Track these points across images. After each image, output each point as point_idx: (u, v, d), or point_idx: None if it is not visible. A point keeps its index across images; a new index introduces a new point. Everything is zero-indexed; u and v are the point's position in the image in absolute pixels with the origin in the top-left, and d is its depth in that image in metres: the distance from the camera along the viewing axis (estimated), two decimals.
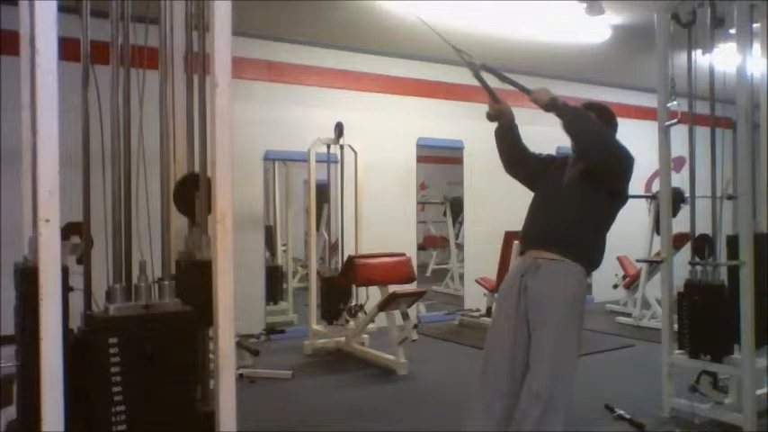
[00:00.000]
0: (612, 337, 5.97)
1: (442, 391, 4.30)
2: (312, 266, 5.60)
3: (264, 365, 4.70)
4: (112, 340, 1.69)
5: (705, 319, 3.44)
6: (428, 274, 8.06)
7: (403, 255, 5.26)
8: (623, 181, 2.58)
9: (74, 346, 1.69)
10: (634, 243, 6.73)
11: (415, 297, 5.10)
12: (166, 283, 1.87)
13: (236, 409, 1.83)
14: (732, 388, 3.56)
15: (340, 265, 5.49)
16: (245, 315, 5.43)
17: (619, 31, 5.79)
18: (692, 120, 3.67)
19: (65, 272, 1.68)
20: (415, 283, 5.35)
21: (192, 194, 2.07)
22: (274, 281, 6.45)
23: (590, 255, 2.57)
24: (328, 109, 6.09)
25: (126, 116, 1.88)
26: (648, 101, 6.82)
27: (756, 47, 3.66)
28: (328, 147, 5.59)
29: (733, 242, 3.44)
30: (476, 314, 6.51)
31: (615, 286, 7.22)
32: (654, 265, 6.22)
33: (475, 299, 6.78)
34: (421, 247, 7.39)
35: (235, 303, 1.83)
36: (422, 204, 7.45)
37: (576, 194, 2.57)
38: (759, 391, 3.38)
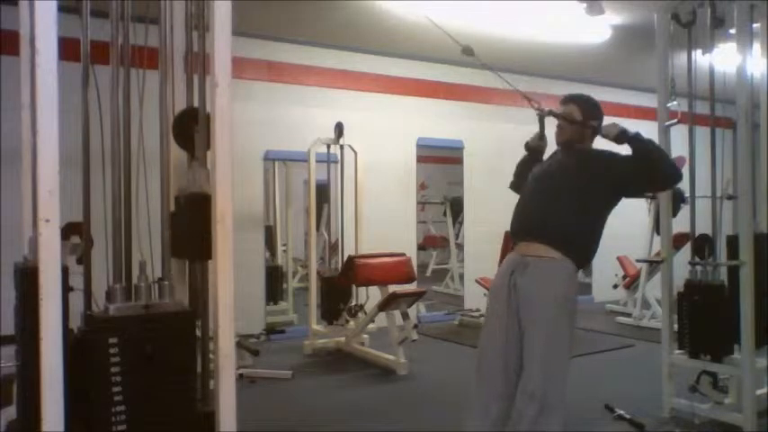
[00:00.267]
0: (612, 337, 5.97)
1: (442, 391, 4.30)
2: (312, 266, 5.60)
3: (264, 365, 4.70)
4: (112, 340, 1.69)
5: (705, 319, 3.44)
6: (428, 274, 8.06)
7: (403, 255, 5.26)
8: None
9: (74, 346, 1.69)
10: (634, 243, 6.74)
11: (415, 297, 5.10)
12: (166, 283, 1.87)
13: (236, 409, 1.83)
14: (732, 388, 3.56)
15: (340, 265, 5.49)
16: (245, 315, 5.43)
17: (619, 31, 5.79)
18: (692, 120, 3.67)
19: (65, 272, 1.68)
20: (414, 283, 5.35)
21: (191, 129, 2.06)
22: (274, 281, 6.45)
23: (581, 249, 2.58)
24: (328, 109, 6.09)
25: (126, 116, 1.88)
26: (648, 101, 6.82)
27: (756, 47, 3.66)
28: (328, 147, 5.59)
29: (733, 242, 3.44)
30: (476, 314, 6.51)
31: (615, 286, 7.22)
32: (654, 265, 6.22)
33: (475, 299, 6.78)
34: (421, 247, 7.38)
35: (235, 303, 1.83)
36: (422, 204, 7.45)
37: (569, 189, 2.59)
38: (759, 391, 3.38)
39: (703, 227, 3.66)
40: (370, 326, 5.29)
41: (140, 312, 1.79)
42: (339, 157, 5.77)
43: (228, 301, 1.82)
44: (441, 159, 7.69)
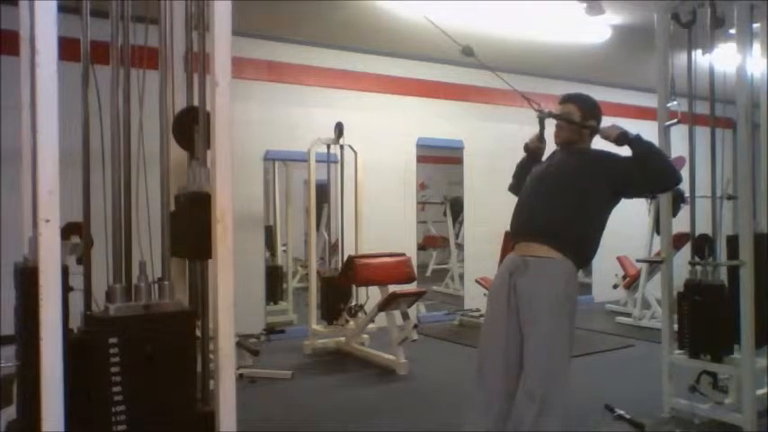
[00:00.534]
0: (612, 337, 5.97)
1: (442, 391, 4.30)
2: (312, 266, 5.60)
3: (264, 365, 4.70)
4: (112, 340, 1.69)
5: (705, 319, 3.44)
6: (428, 274, 8.05)
7: (403, 255, 5.26)
8: None
9: (74, 346, 1.69)
10: (634, 243, 6.74)
11: (415, 297, 5.10)
12: (166, 283, 1.87)
13: (236, 409, 1.83)
14: (732, 388, 3.56)
15: (340, 265, 5.49)
16: (245, 315, 5.43)
17: (619, 31, 5.79)
18: (691, 120, 3.67)
19: (65, 272, 1.68)
20: (414, 283, 5.35)
21: (191, 128, 2.06)
22: (274, 281, 6.45)
23: (581, 249, 2.58)
24: (328, 109, 6.09)
25: (126, 116, 1.88)
26: (648, 101, 6.82)
27: (756, 47, 3.66)
28: (328, 147, 5.59)
29: (733, 242, 3.44)
30: (476, 314, 6.51)
31: (615, 286, 7.22)
32: (654, 265, 6.22)
33: (475, 299, 6.78)
34: (421, 247, 7.38)
35: (235, 303, 1.83)
36: (422, 204, 7.45)
37: (569, 189, 2.60)
38: (759, 391, 3.38)
39: (703, 227, 3.66)
40: (370, 326, 5.29)
41: (140, 312, 1.79)
42: (339, 157, 5.77)
43: (228, 301, 1.82)
44: (441, 159, 7.69)
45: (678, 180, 2.62)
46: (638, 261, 6.61)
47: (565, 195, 2.59)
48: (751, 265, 3.29)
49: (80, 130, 1.92)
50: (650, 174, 2.55)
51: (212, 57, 1.82)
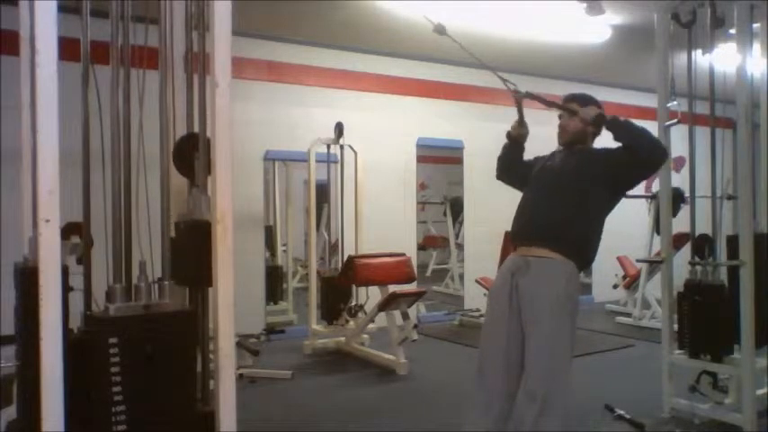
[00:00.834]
0: (612, 337, 5.97)
1: (442, 391, 4.30)
2: (312, 266, 5.60)
3: (264, 365, 4.70)
4: (112, 340, 1.69)
5: (705, 319, 3.44)
6: (428, 274, 8.05)
7: (403, 255, 5.26)
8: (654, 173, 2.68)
9: (74, 346, 1.69)
10: (634, 243, 6.74)
11: (415, 297, 5.10)
12: (166, 283, 1.87)
13: (236, 409, 1.83)
14: (732, 388, 3.56)
15: (340, 265, 5.49)
16: (245, 315, 5.43)
17: (619, 31, 5.79)
18: (691, 120, 3.67)
19: (65, 272, 1.68)
20: (414, 283, 5.35)
21: (191, 155, 2.06)
22: (274, 281, 6.45)
23: (583, 250, 2.58)
24: (328, 109, 6.09)
25: (126, 116, 1.88)
26: (648, 101, 6.82)
27: (756, 47, 3.66)
28: (328, 147, 5.59)
29: (733, 242, 3.44)
30: (476, 314, 6.51)
31: (615, 286, 7.22)
32: (654, 265, 6.22)
33: (475, 299, 6.78)
34: (421, 247, 7.38)
35: (235, 303, 1.83)
36: (422, 204, 7.45)
37: (570, 190, 2.59)
38: (759, 391, 3.38)
39: (703, 227, 3.66)
40: (370, 326, 5.29)
41: (140, 312, 1.79)
42: (339, 157, 5.77)
43: (228, 301, 1.82)
44: (441, 159, 7.69)
45: (663, 153, 2.60)
46: (638, 261, 6.61)
47: (565, 197, 2.58)
48: (751, 265, 3.29)
49: (80, 130, 1.91)
50: (636, 152, 2.52)
51: (212, 57, 1.82)
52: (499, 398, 2.51)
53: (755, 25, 3.60)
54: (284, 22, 5.58)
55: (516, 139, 2.89)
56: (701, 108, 3.72)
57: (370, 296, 5.38)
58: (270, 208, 6.61)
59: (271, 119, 5.96)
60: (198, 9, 2.07)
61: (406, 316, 4.86)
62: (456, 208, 7.76)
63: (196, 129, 2.11)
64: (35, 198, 1.66)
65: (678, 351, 3.61)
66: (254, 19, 5.28)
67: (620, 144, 2.56)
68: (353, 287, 5.43)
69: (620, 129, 2.56)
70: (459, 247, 7.54)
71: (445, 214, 8.07)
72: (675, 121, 3.67)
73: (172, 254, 1.93)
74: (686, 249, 3.82)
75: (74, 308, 1.76)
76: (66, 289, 1.71)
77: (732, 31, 3.40)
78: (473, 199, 7.17)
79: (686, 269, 3.63)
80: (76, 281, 1.86)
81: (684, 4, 3.64)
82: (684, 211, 3.96)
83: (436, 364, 5.06)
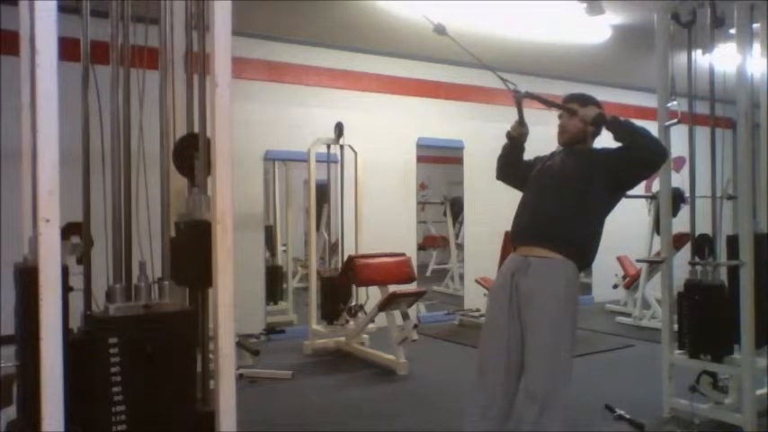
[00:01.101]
0: (612, 337, 5.97)
1: (442, 391, 4.30)
2: (312, 266, 5.60)
3: (264, 365, 4.70)
4: (112, 340, 1.68)
5: (705, 319, 3.44)
6: (428, 274, 8.06)
7: (403, 255, 5.26)
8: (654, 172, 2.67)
9: (74, 346, 1.69)
10: (634, 243, 6.74)
11: (415, 297, 5.10)
12: (166, 283, 1.87)
13: (236, 409, 1.83)
14: (732, 388, 3.56)
15: (340, 265, 5.49)
16: (245, 315, 5.44)
17: (619, 31, 5.79)
18: (691, 120, 3.67)
19: (65, 272, 1.67)
20: (415, 283, 5.35)
21: (191, 156, 2.06)
22: (274, 281, 6.45)
23: (583, 251, 2.57)
24: (328, 109, 6.09)
25: (126, 116, 1.88)
26: (648, 101, 6.82)
27: (756, 47, 3.66)
28: (328, 147, 5.59)
29: (733, 242, 3.44)
30: (476, 314, 6.51)
31: (615, 286, 7.22)
32: (654, 265, 6.22)
33: (475, 299, 6.78)
34: (421, 247, 7.39)
35: (235, 303, 1.83)
36: (422, 204, 7.45)
37: (569, 190, 2.58)
38: (759, 391, 3.38)
39: (703, 227, 3.66)
40: (370, 326, 5.29)
41: (140, 312, 1.79)
42: (339, 157, 5.77)
43: (228, 300, 1.82)
44: (441, 159, 7.69)
45: (664, 153, 2.59)
46: (638, 261, 6.61)
47: (565, 197, 2.58)
48: (751, 265, 3.29)
49: (80, 130, 1.91)
50: (636, 152, 2.52)
51: (212, 57, 1.82)
52: (499, 398, 2.51)
53: (755, 25, 3.60)
54: (284, 22, 5.58)
55: (516, 139, 2.88)
56: (701, 108, 3.72)
57: (370, 296, 5.38)
58: (270, 208, 6.61)
59: (271, 119, 5.96)
60: (198, 9, 2.08)
61: (406, 316, 4.86)
62: (456, 208, 7.76)
63: (196, 129, 2.11)
64: (35, 198, 1.66)
65: (678, 351, 3.61)
66: (254, 19, 5.29)
67: (620, 144, 2.56)
68: (353, 287, 5.43)
69: (621, 128, 2.56)
70: (459, 247, 7.54)
71: (445, 214, 8.07)
72: (675, 121, 3.67)
73: (172, 254, 1.93)
74: (686, 249, 3.82)
75: (74, 308, 1.76)
76: (66, 289, 1.70)
77: (732, 31, 3.39)
78: (473, 199, 7.17)
79: (686, 269, 3.63)
80: (76, 281, 1.86)
81: (684, 4, 3.64)
82: (684, 211, 3.96)
83: (436, 364, 5.06)
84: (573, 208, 2.56)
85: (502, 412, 2.50)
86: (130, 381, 1.70)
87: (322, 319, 5.49)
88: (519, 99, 2.76)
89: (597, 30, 5.74)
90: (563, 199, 2.58)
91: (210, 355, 1.96)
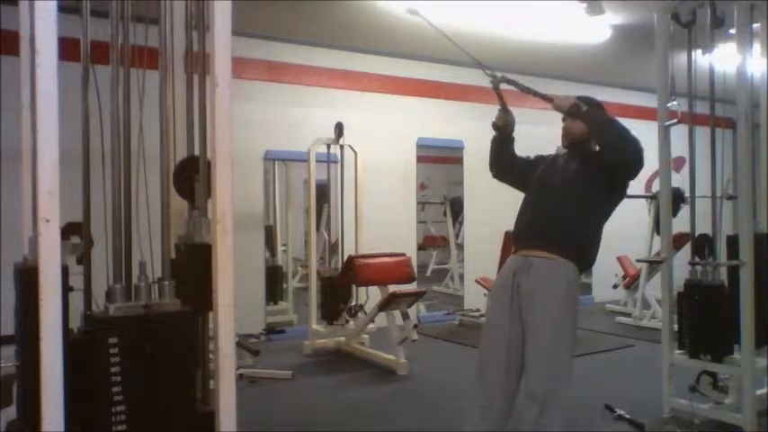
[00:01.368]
0: (612, 337, 5.97)
1: (442, 391, 4.30)
2: (312, 266, 5.60)
3: (264, 365, 4.70)
4: (112, 340, 1.69)
5: (705, 319, 3.44)
6: (428, 274, 8.06)
7: (403, 255, 5.26)
8: (632, 176, 2.60)
9: (74, 346, 1.69)
10: (634, 243, 6.74)
11: (415, 297, 5.10)
12: (166, 283, 1.87)
13: (236, 409, 1.83)
14: (732, 388, 3.56)
15: (340, 265, 5.49)
16: (245, 315, 5.43)
17: (619, 31, 5.79)
18: (691, 120, 3.67)
19: (65, 272, 1.67)
20: (414, 283, 5.35)
21: (191, 178, 2.06)
22: (274, 281, 6.45)
23: (584, 252, 2.57)
24: (328, 109, 6.09)
25: (126, 116, 1.88)
26: (648, 101, 6.82)
27: (756, 47, 3.66)
28: (328, 147, 5.59)
29: (733, 242, 3.44)
30: (476, 314, 6.51)
31: (615, 286, 7.22)
32: (654, 265, 6.22)
33: (475, 299, 6.78)
34: (421, 247, 7.38)
35: (235, 303, 1.83)
36: (422, 204, 7.45)
37: (570, 191, 2.58)
38: (759, 391, 3.38)
39: (703, 227, 3.66)
40: (370, 326, 5.29)
41: (140, 312, 1.79)
42: (339, 157, 5.77)
43: (228, 300, 1.82)
44: (441, 159, 7.69)
45: (635, 154, 2.47)
46: (638, 261, 6.61)
47: (567, 199, 2.57)
48: (751, 265, 3.29)
49: (80, 130, 1.91)
50: (606, 146, 2.50)
51: (212, 57, 1.82)
52: (499, 398, 2.50)
53: (755, 25, 3.60)
54: (284, 22, 5.58)
55: (503, 129, 2.81)
56: (701, 108, 3.72)
57: (370, 296, 5.38)
58: (270, 208, 6.61)
59: (271, 119, 5.96)
60: (198, 9, 2.08)
61: (406, 316, 4.86)
62: (456, 208, 7.76)
63: (196, 129, 2.11)
64: (35, 198, 1.66)
65: (678, 351, 3.61)
66: (254, 19, 5.28)
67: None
68: (353, 287, 5.43)
69: (593, 123, 2.52)
70: (459, 247, 7.54)
71: (445, 214, 8.07)
72: (675, 121, 3.67)
73: (171, 275, 1.93)
74: (686, 249, 3.82)
75: (74, 308, 1.76)
76: (66, 289, 1.70)
77: (732, 31, 3.39)
78: (473, 199, 7.17)
79: (686, 269, 3.63)
80: (76, 281, 1.86)
81: (684, 4, 3.64)
82: (684, 211, 3.96)
83: (436, 364, 5.06)
84: (574, 209, 2.55)
85: (502, 412, 2.50)
86: (130, 381, 1.70)
87: (322, 319, 5.49)
88: (496, 84, 2.69)
89: (597, 30, 5.74)
90: (564, 201, 2.57)
91: (210, 355, 1.96)
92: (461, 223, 7.44)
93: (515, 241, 2.68)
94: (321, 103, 6.18)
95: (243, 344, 4.63)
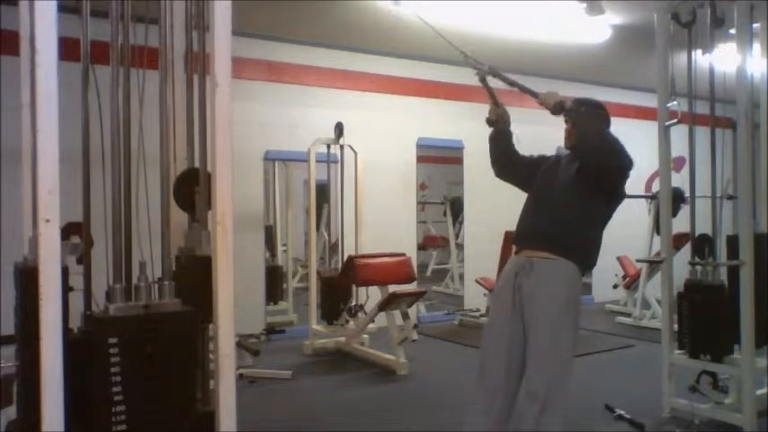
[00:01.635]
0: (612, 337, 5.98)
1: (442, 391, 4.30)
2: (312, 266, 5.60)
3: (264, 365, 4.70)
4: (112, 340, 1.68)
5: (705, 319, 3.44)
6: (428, 274, 8.06)
7: (403, 255, 5.26)
8: (619, 182, 2.58)
9: (74, 346, 1.69)
10: (634, 243, 6.74)
11: (415, 297, 5.10)
12: (166, 283, 1.87)
13: (236, 409, 1.83)
14: (732, 388, 3.56)
15: (340, 265, 5.49)
16: (245, 315, 5.43)
17: (619, 31, 5.79)
18: (691, 120, 3.67)
19: (65, 272, 1.67)
20: (414, 283, 5.35)
21: (191, 190, 2.07)
22: (274, 281, 6.45)
23: (585, 254, 2.57)
24: (328, 109, 6.09)
25: (126, 116, 1.88)
26: (648, 101, 6.82)
27: (756, 47, 3.66)
28: (328, 147, 5.59)
29: (733, 242, 3.44)
30: (476, 314, 6.51)
31: (615, 286, 7.22)
32: (654, 265, 6.22)
33: (475, 299, 6.78)
34: (421, 247, 7.38)
35: (235, 303, 1.83)
36: (422, 204, 7.45)
37: (572, 193, 2.57)
38: (759, 391, 3.38)
39: (703, 227, 3.66)
40: (370, 326, 5.29)
41: (140, 312, 1.79)
42: (339, 157, 5.77)
43: (228, 300, 1.82)
44: (441, 159, 7.69)
45: (609, 152, 2.42)
46: (638, 261, 6.61)
47: (568, 201, 2.57)
48: (751, 265, 3.29)
49: (80, 130, 1.91)
50: (580, 144, 2.49)
51: (212, 57, 1.82)
52: (499, 397, 2.51)
53: (755, 25, 3.60)
54: (284, 22, 5.58)
55: (497, 123, 2.79)
56: (701, 108, 3.72)
57: (370, 296, 5.38)
58: (270, 208, 6.61)
59: (271, 119, 5.96)
60: (198, 9, 2.08)
61: (406, 316, 4.86)
62: (456, 208, 7.76)
63: (196, 129, 2.11)
64: (35, 198, 1.66)
65: (678, 351, 3.61)
66: (254, 19, 5.28)
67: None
68: (353, 287, 5.43)
69: (576, 122, 2.51)
70: (459, 247, 7.54)
71: (445, 214, 8.07)
72: (675, 121, 3.67)
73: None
74: (686, 249, 3.82)
75: (74, 308, 1.76)
76: (66, 289, 1.70)
77: (732, 31, 3.39)
78: (473, 199, 7.17)
79: (686, 269, 3.63)
80: (76, 281, 1.86)
81: (684, 4, 3.64)
82: (684, 211, 3.96)
83: (436, 364, 5.06)
84: (574, 211, 2.55)
85: (502, 412, 2.50)
86: (130, 381, 1.70)
87: (322, 319, 5.49)
88: (482, 76, 2.65)
89: (597, 30, 5.74)
90: (565, 203, 2.57)
91: (210, 355, 1.96)
92: (461, 223, 7.44)
93: (517, 242, 2.68)
94: (321, 103, 6.18)
95: (243, 344, 4.63)
